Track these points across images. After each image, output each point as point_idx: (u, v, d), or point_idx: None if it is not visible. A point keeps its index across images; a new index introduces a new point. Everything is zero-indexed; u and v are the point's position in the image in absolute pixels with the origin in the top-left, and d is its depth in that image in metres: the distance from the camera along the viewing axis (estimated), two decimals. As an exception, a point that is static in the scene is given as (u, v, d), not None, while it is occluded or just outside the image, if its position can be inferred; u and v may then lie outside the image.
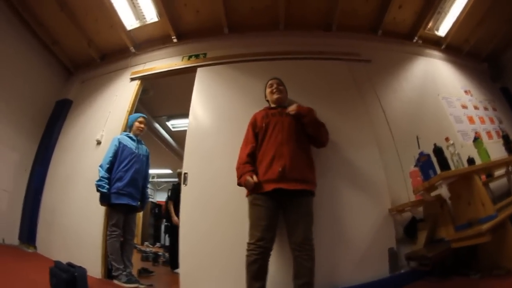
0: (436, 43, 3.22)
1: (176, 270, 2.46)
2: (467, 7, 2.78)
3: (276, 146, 1.63)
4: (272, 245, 1.53)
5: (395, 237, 1.90)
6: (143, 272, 2.98)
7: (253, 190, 1.58)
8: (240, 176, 1.63)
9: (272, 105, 1.94)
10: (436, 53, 3.20)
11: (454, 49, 3.37)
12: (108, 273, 2.11)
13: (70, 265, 1.74)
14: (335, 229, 1.87)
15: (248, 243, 1.51)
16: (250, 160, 1.67)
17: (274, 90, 1.91)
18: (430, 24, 2.99)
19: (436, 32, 3.09)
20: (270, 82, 1.97)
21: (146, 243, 5.24)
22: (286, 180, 1.54)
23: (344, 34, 2.78)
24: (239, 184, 1.65)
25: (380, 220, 1.92)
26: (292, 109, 1.74)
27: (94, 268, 2.10)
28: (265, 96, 2.00)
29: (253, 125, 1.81)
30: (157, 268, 3.54)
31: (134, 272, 2.76)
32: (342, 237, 1.85)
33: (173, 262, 3.26)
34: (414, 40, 3.03)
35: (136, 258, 3.97)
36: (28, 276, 1.88)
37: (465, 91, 3.11)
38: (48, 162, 2.81)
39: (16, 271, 1.94)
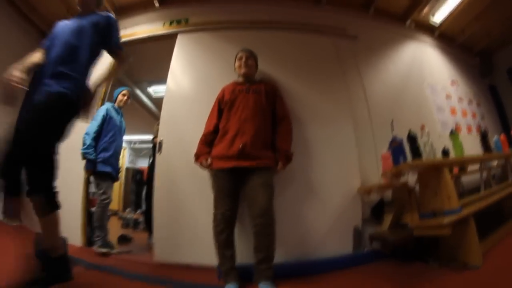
0: (429, 29, 3.04)
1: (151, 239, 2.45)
2: (467, -2, 2.58)
3: (240, 123, 1.60)
4: (236, 214, 1.55)
5: (362, 217, 1.89)
6: (122, 239, 2.96)
7: (210, 166, 1.59)
8: (197, 157, 1.65)
9: (240, 79, 1.82)
10: (428, 39, 3.04)
11: (447, 38, 3.21)
12: (88, 240, 2.12)
13: None
14: (303, 203, 1.85)
15: (214, 214, 1.52)
16: (209, 139, 1.67)
17: (243, 65, 1.78)
18: (426, 9, 2.79)
19: (431, 18, 2.91)
20: (239, 55, 1.81)
21: (127, 209, 5.24)
22: (245, 158, 1.53)
23: (333, 8, 2.56)
24: (195, 162, 1.67)
25: (348, 198, 1.90)
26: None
27: (74, 236, 2.09)
28: (234, 68, 1.86)
29: (220, 100, 1.76)
30: (137, 234, 3.52)
31: (113, 239, 2.79)
32: (309, 211, 1.84)
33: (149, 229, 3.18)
34: (407, 23, 2.84)
35: (117, 225, 3.99)
36: (15, 250, 1.83)
37: (452, 81, 3.00)
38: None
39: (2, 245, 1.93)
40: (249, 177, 1.54)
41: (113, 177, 2.25)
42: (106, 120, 2.22)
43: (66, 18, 1.63)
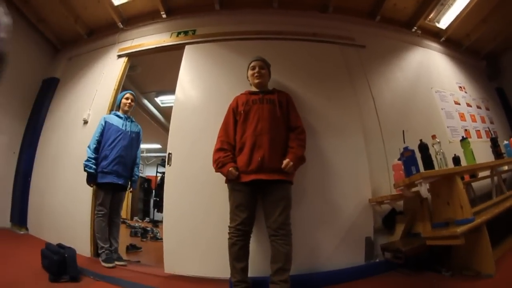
0: (435, 35, 3.02)
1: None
2: (472, 2, 2.57)
3: (256, 135, 1.58)
4: (252, 227, 1.55)
5: (373, 227, 1.88)
6: (131, 248, 2.98)
7: (234, 180, 1.56)
8: (222, 165, 1.57)
9: (253, 89, 1.81)
10: (434, 45, 3.01)
11: (454, 43, 3.18)
12: (97, 251, 2.10)
13: (60, 246, 1.77)
14: (316, 214, 1.84)
15: (229, 227, 1.53)
16: (229, 148, 1.62)
17: (256, 74, 1.77)
18: (431, 15, 2.78)
19: (436, 24, 2.88)
20: (252, 64, 1.81)
21: (135, 218, 5.24)
22: (264, 171, 1.52)
23: (340, 17, 2.57)
24: (218, 171, 1.61)
25: (359, 208, 1.88)
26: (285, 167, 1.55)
27: (83, 247, 2.10)
28: (247, 77, 1.85)
29: (234, 109, 1.73)
30: (145, 243, 3.55)
31: (123, 248, 2.79)
32: (322, 222, 1.83)
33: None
34: (413, 30, 2.83)
35: (125, 234, 3.99)
36: (21, 258, 1.90)
37: (460, 87, 2.97)
38: (36, 143, 2.73)
39: (9, 253, 1.96)
40: (267, 190, 1.54)
41: (116, 186, 2.16)
42: (105, 128, 2.19)
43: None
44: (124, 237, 3.63)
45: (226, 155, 1.59)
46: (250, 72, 1.81)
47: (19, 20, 2.69)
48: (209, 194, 1.85)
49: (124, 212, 5.27)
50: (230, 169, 1.53)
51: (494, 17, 2.84)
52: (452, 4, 2.67)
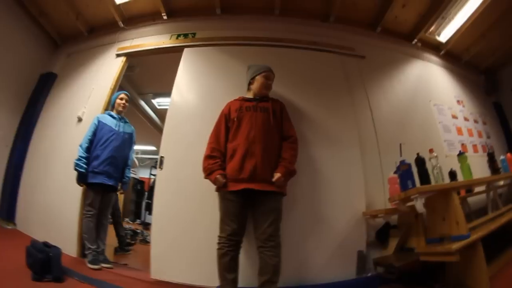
0: (435, 48, 3.02)
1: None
2: (473, 16, 2.57)
3: (248, 143, 1.54)
4: (242, 238, 1.51)
5: (366, 240, 1.84)
6: (120, 251, 2.90)
7: (222, 188, 1.53)
8: (209, 172, 1.54)
9: (248, 96, 1.76)
10: (433, 58, 3.01)
11: (453, 56, 3.18)
12: (84, 252, 2.05)
13: (45, 244, 1.73)
14: (307, 225, 1.80)
15: (219, 236, 1.49)
16: (219, 155, 1.59)
17: (267, 86, 1.73)
18: (432, 28, 2.78)
19: (437, 37, 2.89)
20: (267, 74, 1.74)
21: (126, 219, 5.14)
22: (256, 180, 1.48)
23: (341, 26, 2.56)
24: (206, 178, 1.58)
25: (353, 221, 1.85)
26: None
27: (70, 247, 2.06)
28: (250, 82, 1.77)
29: (226, 115, 1.68)
30: (134, 245, 3.46)
31: (111, 250, 2.72)
32: (313, 234, 1.80)
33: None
34: (413, 42, 2.83)
35: (114, 235, 3.91)
36: (6, 254, 1.86)
37: (458, 101, 2.96)
38: (29, 138, 2.68)
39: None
40: (257, 200, 1.50)
41: (107, 187, 2.10)
42: (98, 128, 2.15)
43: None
44: (113, 239, 3.57)
45: (214, 162, 1.55)
46: (261, 79, 1.72)
47: (21, 12, 2.66)
48: (199, 200, 1.81)
49: None
50: (217, 176, 1.50)
51: (494, 32, 2.85)
52: (453, 18, 2.68)
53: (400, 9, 2.55)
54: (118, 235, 2.78)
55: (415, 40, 2.83)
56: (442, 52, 3.05)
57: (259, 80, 1.72)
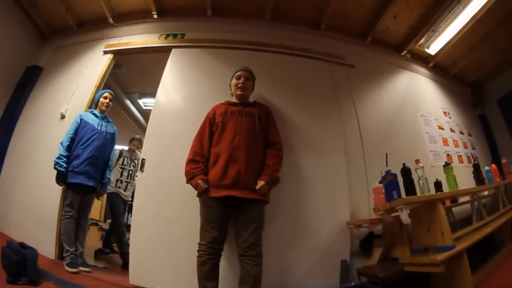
0: (424, 60, 3.06)
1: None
2: (463, 30, 2.62)
3: (232, 149, 1.49)
4: (223, 246, 1.46)
5: (350, 250, 1.80)
6: (100, 253, 2.77)
7: (203, 193, 1.47)
8: (191, 177, 1.49)
9: (233, 100, 1.72)
10: (422, 69, 3.05)
11: (441, 69, 3.23)
12: (61, 254, 1.96)
13: (22, 245, 1.68)
14: (290, 234, 1.76)
15: (199, 244, 1.43)
16: (202, 159, 1.54)
17: (240, 85, 1.68)
18: (422, 40, 2.82)
19: (426, 49, 2.92)
20: (238, 73, 1.72)
21: (108, 220, 4.97)
22: (239, 187, 1.43)
23: (331, 34, 2.55)
24: (188, 183, 1.52)
25: (336, 230, 1.81)
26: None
27: (48, 248, 1.97)
28: (230, 85, 1.76)
29: (211, 119, 1.63)
30: (114, 248, 3.32)
31: (91, 252, 2.61)
32: (296, 242, 1.75)
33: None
34: (403, 53, 2.85)
35: (96, 237, 3.76)
36: None
37: (444, 112, 3.00)
38: (11, 133, 2.54)
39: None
40: (240, 208, 1.45)
41: (87, 187, 2.01)
42: (80, 126, 2.07)
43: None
44: (94, 241, 3.42)
45: (197, 166, 1.50)
46: (234, 81, 1.71)
47: (10, 0, 2.54)
48: (180, 206, 1.74)
49: (98, 214, 5.01)
50: (199, 181, 1.45)
51: (482, 47, 2.91)
52: (442, 32, 2.72)
53: (391, 20, 2.58)
54: (121, 253, 2.62)
55: (405, 52, 2.85)
56: (431, 64, 3.09)
57: (232, 82, 1.72)
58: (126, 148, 3.03)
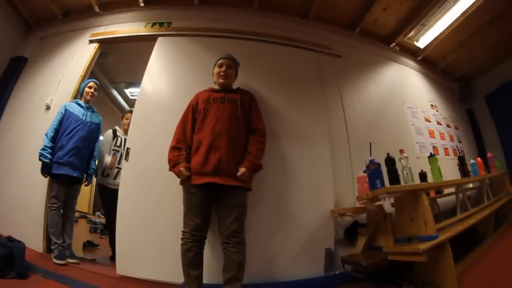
0: (413, 53, 3.06)
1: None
2: (453, 25, 2.62)
3: (214, 136, 1.47)
4: (206, 233, 1.45)
5: (334, 238, 1.81)
6: (88, 245, 2.73)
7: (186, 181, 1.45)
8: (174, 165, 1.48)
9: (216, 87, 1.69)
10: (410, 62, 3.05)
11: (430, 62, 3.24)
12: (50, 247, 1.92)
13: (9, 239, 1.66)
14: (274, 222, 1.75)
15: (183, 232, 1.42)
16: (185, 147, 1.51)
17: (222, 74, 1.64)
18: (411, 33, 2.82)
19: (415, 42, 2.92)
20: (220, 61, 1.68)
21: (97, 213, 4.90)
22: (220, 174, 1.41)
23: (319, 25, 2.52)
24: (171, 170, 1.49)
25: (321, 219, 1.81)
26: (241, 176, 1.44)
27: (36, 241, 1.95)
28: (212, 73, 1.73)
29: (194, 106, 1.60)
30: (104, 240, 3.27)
31: (79, 245, 2.57)
32: (279, 230, 1.75)
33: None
34: (391, 46, 2.85)
35: (84, 229, 3.72)
36: None
37: (432, 105, 3.02)
38: (-4, 125, 2.45)
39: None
40: (222, 195, 1.43)
41: (72, 178, 1.98)
42: (64, 117, 2.02)
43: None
44: (82, 233, 3.38)
45: (179, 154, 1.48)
46: (216, 69, 1.68)
47: None
48: (164, 194, 1.71)
49: (86, 206, 4.94)
50: (181, 169, 1.43)
51: (471, 43, 2.92)
52: (432, 26, 2.71)
53: (381, 12, 2.56)
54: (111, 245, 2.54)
55: (393, 44, 2.85)
56: (419, 58, 3.10)
57: (214, 70, 1.69)
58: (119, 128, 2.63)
